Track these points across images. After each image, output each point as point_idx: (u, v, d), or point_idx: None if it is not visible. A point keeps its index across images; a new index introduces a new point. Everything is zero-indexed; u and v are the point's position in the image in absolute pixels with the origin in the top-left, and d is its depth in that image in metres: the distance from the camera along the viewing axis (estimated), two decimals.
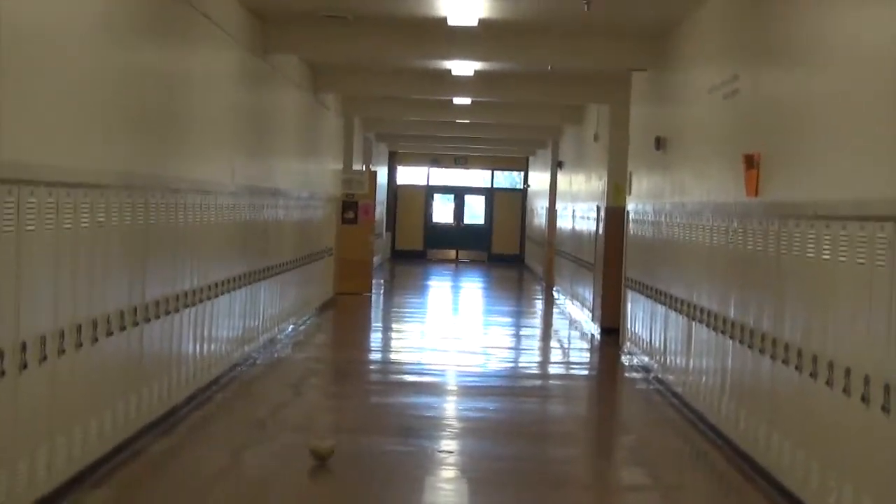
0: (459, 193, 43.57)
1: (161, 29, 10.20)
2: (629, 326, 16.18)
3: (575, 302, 23.26)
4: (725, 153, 10.94)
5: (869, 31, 7.43)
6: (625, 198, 17.23)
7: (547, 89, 20.11)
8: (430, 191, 43.44)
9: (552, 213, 30.09)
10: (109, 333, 8.49)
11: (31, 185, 6.92)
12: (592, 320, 20.04)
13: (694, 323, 11.81)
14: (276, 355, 15.35)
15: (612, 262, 18.33)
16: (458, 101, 22.98)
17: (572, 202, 25.49)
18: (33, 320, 7.09)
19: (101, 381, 8.44)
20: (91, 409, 8.30)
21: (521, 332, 21.30)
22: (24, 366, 6.93)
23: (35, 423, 7.26)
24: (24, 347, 6.91)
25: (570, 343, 19.50)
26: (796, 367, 8.22)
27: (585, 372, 16.43)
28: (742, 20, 10.99)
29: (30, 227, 6.94)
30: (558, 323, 22.40)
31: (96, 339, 8.19)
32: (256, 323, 14.75)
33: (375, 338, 19.92)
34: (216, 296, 12.10)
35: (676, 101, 13.96)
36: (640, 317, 15.31)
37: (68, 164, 7.68)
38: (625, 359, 16.12)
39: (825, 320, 7.71)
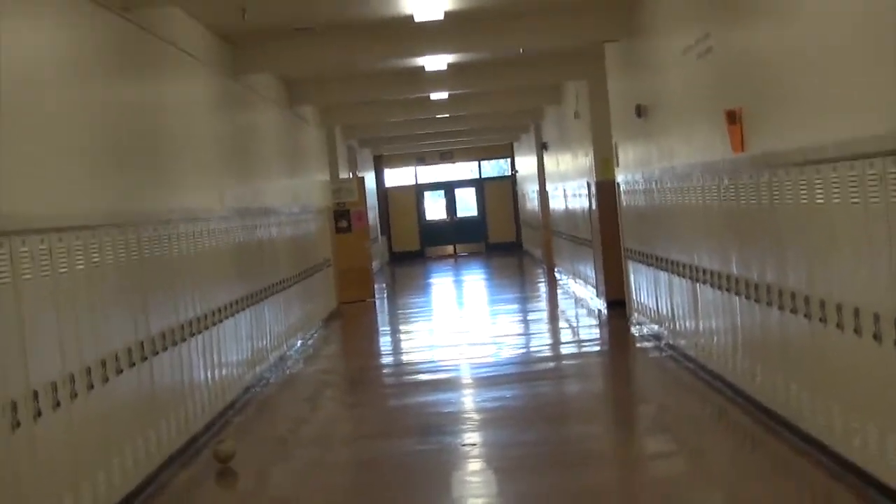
0: (449, 188, 43.57)
1: (133, 65, 10.19)
2: (634, 297, 16.18)
3: (578, 280, 23.27)
4: (707, 112, 10.93)
5: None
6: (613, 170, 17.22)
7: (522, 73, 20.12)
8: (419, 189, 43.44)
9: (543, 195, 30.09)
10: (119, 371, 8.49)
11: (21, 235, 6.92)
12: (597, 296, 20.04)
13: (698, 285, 11.81)
14: (288, 372, 15.35)
15: (609, 236, 18.33)
16: (434, 96, 22.99)
17: (562, 182, 25.48)
18: (42, 367, 7.08)
19: (117, 420, 8.44)
20: (111, 449, 8.29)
21: (528, 317, 21.30)
22: (39, 414, 6.92)
23: (56, 469, 7.25)
24: (35, 396, 6.90)
25: (577, 321, 19.50)
26: (805, 315, 8.21)
27: (597, 348, 16.43)
28: None
29: (26, 276, 6.93)
30: (564, 303, 22.40)
31: (107, 379, 8.19)
32: (264, 342, 14.75)
33: (384, 342, 19.92)
34: (221, 321, 12.10)
35: (652, 67, 13.95)
36: (644, 286, 15.32)
37: (56, 209, 7.68)
38: (634, 329, 16.13)
39: (828, 264, 7.71)
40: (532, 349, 16.75)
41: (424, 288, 30.68)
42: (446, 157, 42.23)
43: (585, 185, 20.67)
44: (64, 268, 7.55)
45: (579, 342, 17.31)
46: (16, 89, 7.18)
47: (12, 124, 7.07)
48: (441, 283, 32.07)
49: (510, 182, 42.58)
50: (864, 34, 6.89)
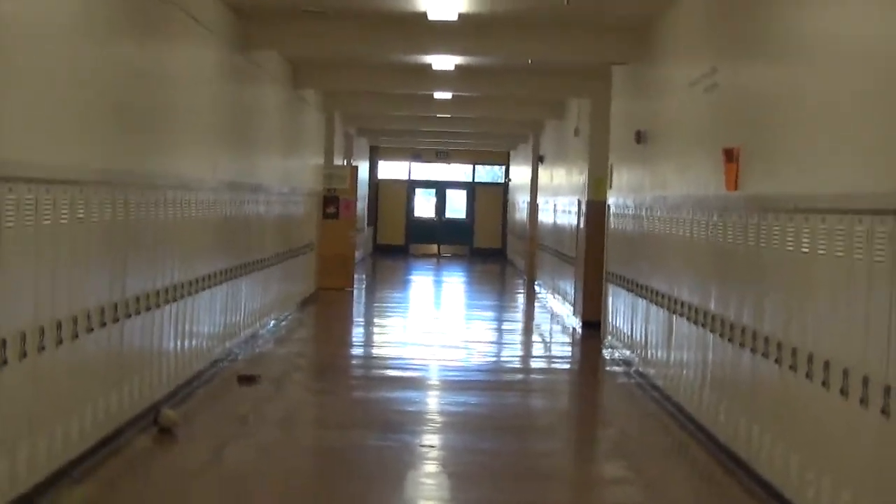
0: (441, 188, 43.57)
1: (140, 25, 10.18)
2: (610, 320, 16.21)
3: (556, 296, 23.29)
4: (705, 147, 10.96)
5: (847, 25, 7.45)
6: (605, 192, 17.25)
7: (528, 83, 20.13)
8: (411, 185, 43.43)
9: (533, 207, 30.11)
10: (90, 329, 8.48)
11: (9, 182, 6.91)
12: (574, 314, 20.07)
13: (674, 316, 11.84)
14: (257, 351, 15.33)
15: (593, 256, 18.36)
16: (438, 95, 22.99)
17: (553, 196, 25.51)
18: (13, 316, 7.07)
19: (81, 378, 8.43)
20: (72, 406, 8.28)
21: (503, 327, 21.32)
22: (5, 362, 6.91)
23: (15, 420, 7.24)
24: (3, 344, 6.89)
25: (551, 337, 19.52)
26: (776, 361, 8.24)
27: (567, 366, 16.45)
28: (721, 13, 11.01)
29: (9, 224, 6.92)
30: (540, 317, 22.42)
31: (76, 336, 8.17)
32: (238, 318, 14.73)
33: (357, 333, 19.93)
34: (197, 291, 12.09)
35: (657, 94, 13.99)
36: (621, 310, 15.34)
37: (47, 160, 7.67)
38: (606, 352, 16.15)
39: (805, 313, 7.74)
40: (503, 359, 16.77)
41: (404, 284, 30.68)
42: (442, 156, 42.24)
43: (576, 202, 20.69)
44: (48, 220, 7.54)
45: (550, 358, 17.33)
46: (19, 40, 7.17)
47: (13, 73, 7.06)
48: (421, 281, 32.07)
49: (502, 189, 42.60)
50: (867, 90, 6.92)
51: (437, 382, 13.96)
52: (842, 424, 6.99)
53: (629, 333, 14.61)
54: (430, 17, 14.36)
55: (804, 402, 7.67)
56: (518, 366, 16.17)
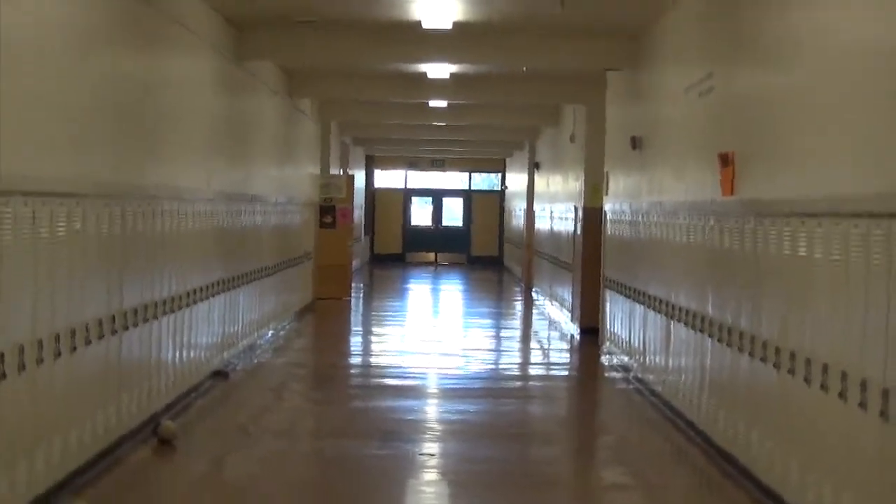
0: (437, 196, 43.57)
1: (135, 37, 10.19)
2: (608, 326, 16.21)
3: (554, 303, 23.29)
4: (701, 152, 10.97)
5: (840, 29, 7.46)
6: (602, 198, 17.26)
7: (523, 91, 20.13)
8: (408, 194, 43.44)
9: (530, 214, 30.12)
10: (88, 342, 8.48)
11: (6, 196, 6.91)
12: (572, 320, 20.07)
13: (672, 322, 11.84)
14: (256, 361, 15.33)
15: (590, 263, 18.36)
16: (434, 103, 23.00)
17: (550, 203, 25.52)
18: (11, 330, 7.07)
19: (80, 390, 8.42)
20: (70, 419, 8.27)
21: (501, 334, 21.32)
22: (3, 375, 6.91)
23: (14, 433, 7.23)
24: (2, 357, 6.89)
25: (549, 344, 19.52)
26: (774, 365, 8.25)
27: (565, 372, 16.45)
28: (716, 19, 11.02)
29: (6, 237, 6.92)
30: (538, 324, 22.42)
31: (75, 348, 8.17)
32: (236, 329, 14.73)
33: (355, 342, 19.92)
34: (195, 302, 12.08)
35: (652, 100, 14.00)
36: (618, 316, 15.35)
37: (44, 173, 7.67)
38: (604, 359, 16.15)
39: (802, 317, 7.74)
40: (501, 366, 16.76)
41: (402, 292, 30.67)
42: (438, 164, 42.24)
43: (573, 209, 20.70)
44: (45, 234, 7.54)
45: (549, 365, 17.32)
46: (15, 52, 7.17)
47: (9, 87, 7.06)
48: (419, 289, 32.06)
49: (498, 197, 42.61)
50: (861, 93, 6.93)
51: (435, 391, 13.95)
52: (841, 428, 6.99)
53: (627, 339, 14.61)
54: (425, 25, 14.37)
55: (803, 406, 7.67)
56: (517, 373, 16.16)
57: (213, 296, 13.03)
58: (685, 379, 11.26)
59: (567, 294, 21.04)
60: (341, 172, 28.07)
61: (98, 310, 8.78)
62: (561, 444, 11.38)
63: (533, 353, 18.95)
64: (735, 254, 9.45)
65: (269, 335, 17.47)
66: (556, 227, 23.93)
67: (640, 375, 13.68)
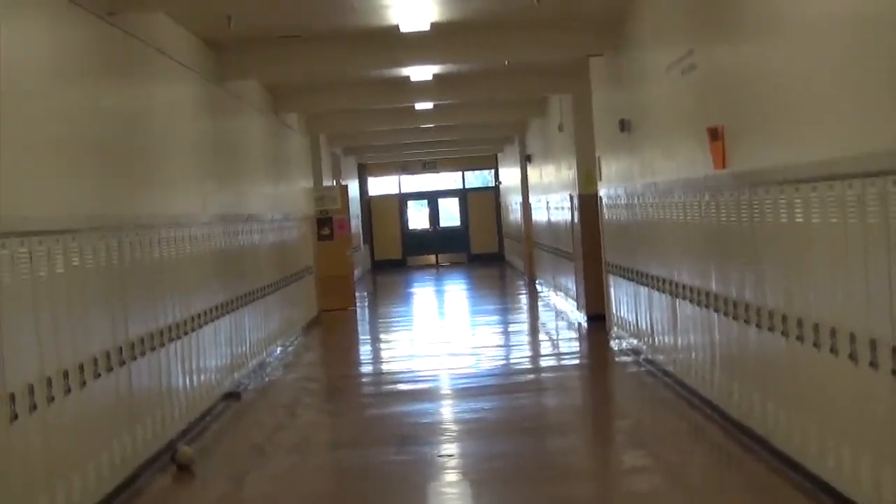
0: (433, 198, 43.56)
1: (118, 69, 10.19)
2: (615, 311, 16.21)
3: (559, 293, 23.29)
4: (690, 128, 10.97)
5: None
6: (596, 184, 17.26)
7: (507, 85, 20.14)
8: (403, 198, 43.42)
9: (526, 207, 30.13)
10: (97, 375, 8.48)
11: (2, 238, 6.91)
12: (578, 309, 20.07)
13: (677, 300, 11.85)
14: (266, 379, 15.33)
15: (591, 250, 18.36)
16: (420, 106, 23.01)
17: (545, 194, 25.52)
18: (19, 370, 7.07)
19: (93, 424, 8.43)
20: (87, 453, 8.28)
21: (509, 329, 21.32)
22: (15, 417, 6.91)
23: (32, 472, 7.24)
24: (12, 399, 6.89)
25: (557, 334, 19.52)
26: (782, 333, 8.25)
27: (576, 361, 16.45)
28: None
29: (6, 279, 6.92)
30: (544, 315, 22.42)
31: (84, 383, 8.18)
32: (244, 349, 14.73)
33: (364, 351, 19.92)
34: (200, 326, 12.09)
35: (636, 81, 14.00)
36: (624, 300, 15.35)
37: (37, 212, 7.67)
38: (613, 344, 16.15)
39: (805, 283, 7.75)
40: (512, 361, 16.76)
41: (406, 297, 30.68)
42: (430, 166, 42.23)
43: (568, 197, 20.70)
44: (44, 272, 7.55)
45: (559, 355, 17.33)
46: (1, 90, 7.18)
47: None
48: (422, 292, 32.06)
49: (493, 193, 42.61)
50: (846, 56, 6.93)
51: (449, 391, 13.95)
52: (855, 390, 6.99)
53: (634, 322, 14.61)
54: (403, 29, 14.37)
55: (815, 372, 7.67)
56: (528, 366, 16.16)
57: (217, 318, 13.04)
58: (695, 356, 11.26)
59: (570, 283, 21.04)
60: (334, 184, 28.08)
61: (104, 342, 8.78)
62: (578, 433, 11.38)
63: (542, 344, 18.95)
64: (732, 226, 9.45)
65: (278, 352, 17.48)
66: (553, 218, 23.93)
67: (650, 357, 13.68)
